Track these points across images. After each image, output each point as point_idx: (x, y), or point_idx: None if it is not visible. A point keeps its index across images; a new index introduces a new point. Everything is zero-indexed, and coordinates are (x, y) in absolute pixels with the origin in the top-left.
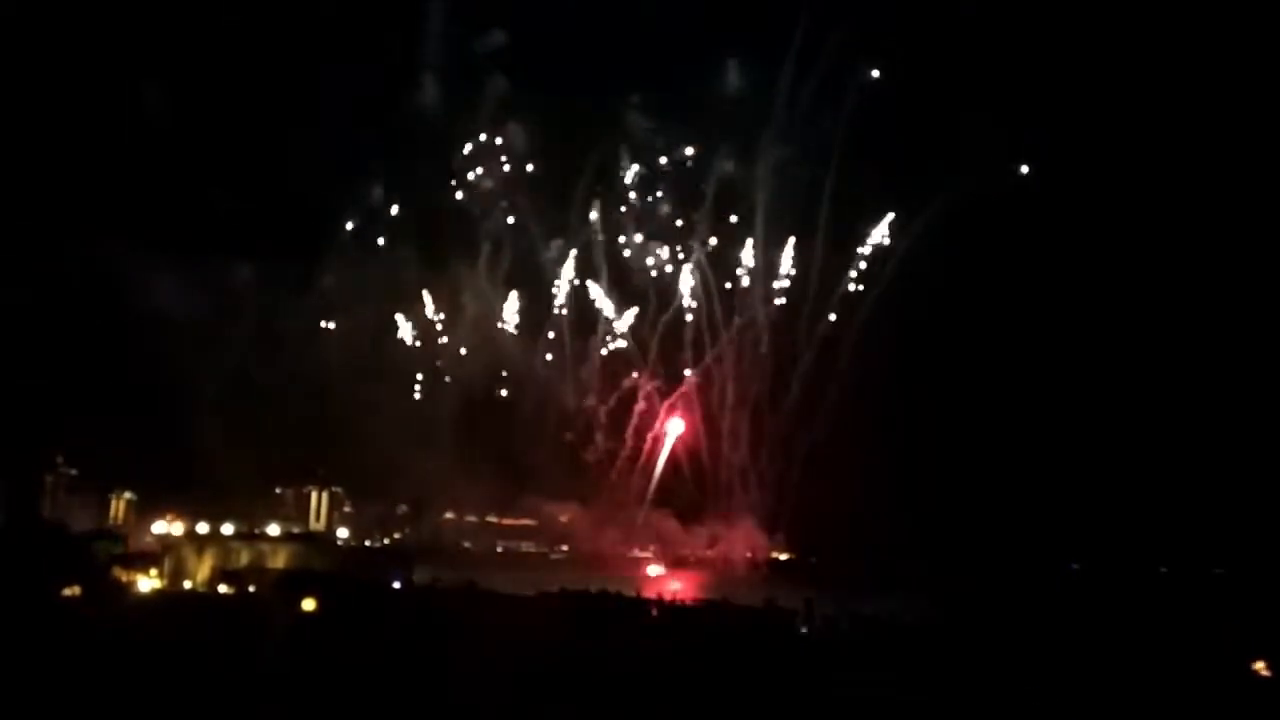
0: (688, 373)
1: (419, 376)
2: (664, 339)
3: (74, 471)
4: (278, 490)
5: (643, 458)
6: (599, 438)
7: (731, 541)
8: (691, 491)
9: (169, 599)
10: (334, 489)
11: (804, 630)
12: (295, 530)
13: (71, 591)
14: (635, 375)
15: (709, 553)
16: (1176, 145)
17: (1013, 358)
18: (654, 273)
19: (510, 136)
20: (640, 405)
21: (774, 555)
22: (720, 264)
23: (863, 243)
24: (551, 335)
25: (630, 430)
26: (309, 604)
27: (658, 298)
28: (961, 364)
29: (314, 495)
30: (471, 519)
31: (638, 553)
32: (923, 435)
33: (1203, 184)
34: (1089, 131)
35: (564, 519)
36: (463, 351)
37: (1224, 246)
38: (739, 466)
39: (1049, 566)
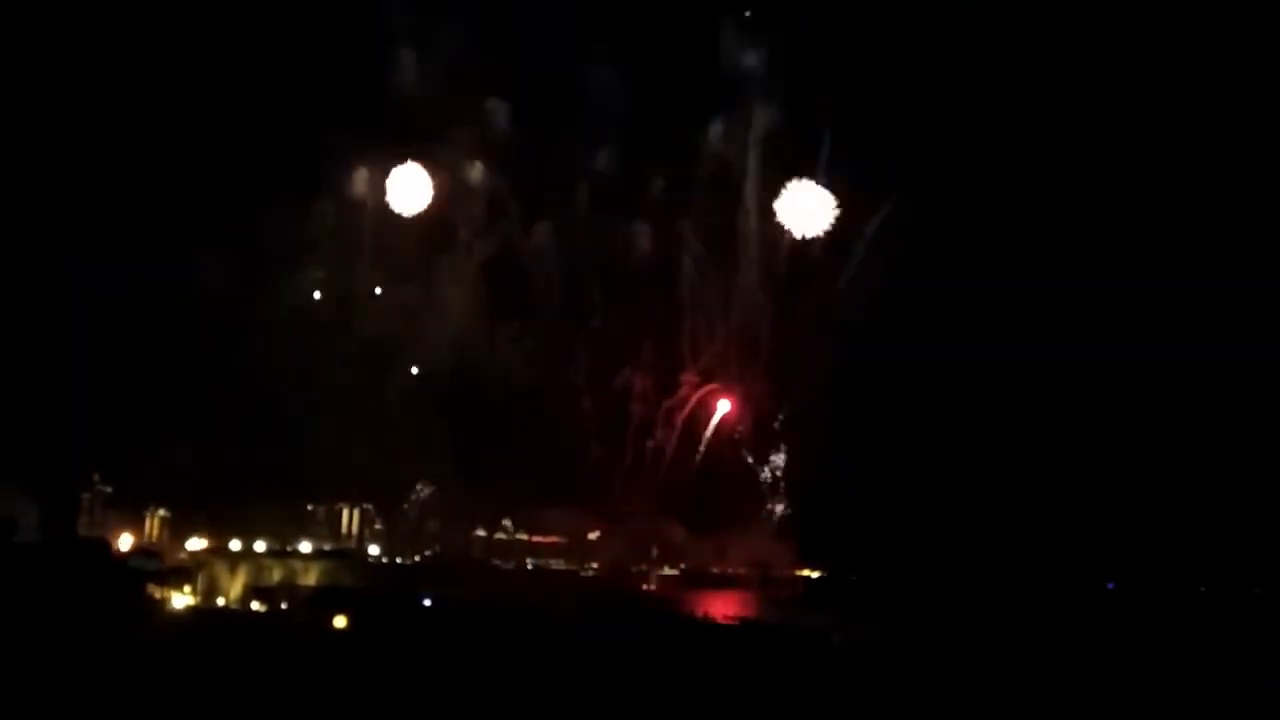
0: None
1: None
2: (658, 327)
3: (110, 489)
4: (309, 507)
5: (671, 446)
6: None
7: (743, 553)
8: (702, 492)
9: (202, 616)
10: (365, 506)
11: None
12: (326, 547)
13: (108, 608)
14: (627, 371)
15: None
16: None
17: (1044, 364)
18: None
19: (489, 112)
20: (636, 406)
21: (805, 573)
22: (716, 245)
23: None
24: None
25: (631, 432)
26: (340, 621)
27: (650, 282)
28: (992, 368)
29: (345, 512)
30: (501, 536)
31: (667, 570)
32: (953, 446)
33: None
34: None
35: (592, 536)
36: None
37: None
38: (750, 466)
39: (1085, 585)
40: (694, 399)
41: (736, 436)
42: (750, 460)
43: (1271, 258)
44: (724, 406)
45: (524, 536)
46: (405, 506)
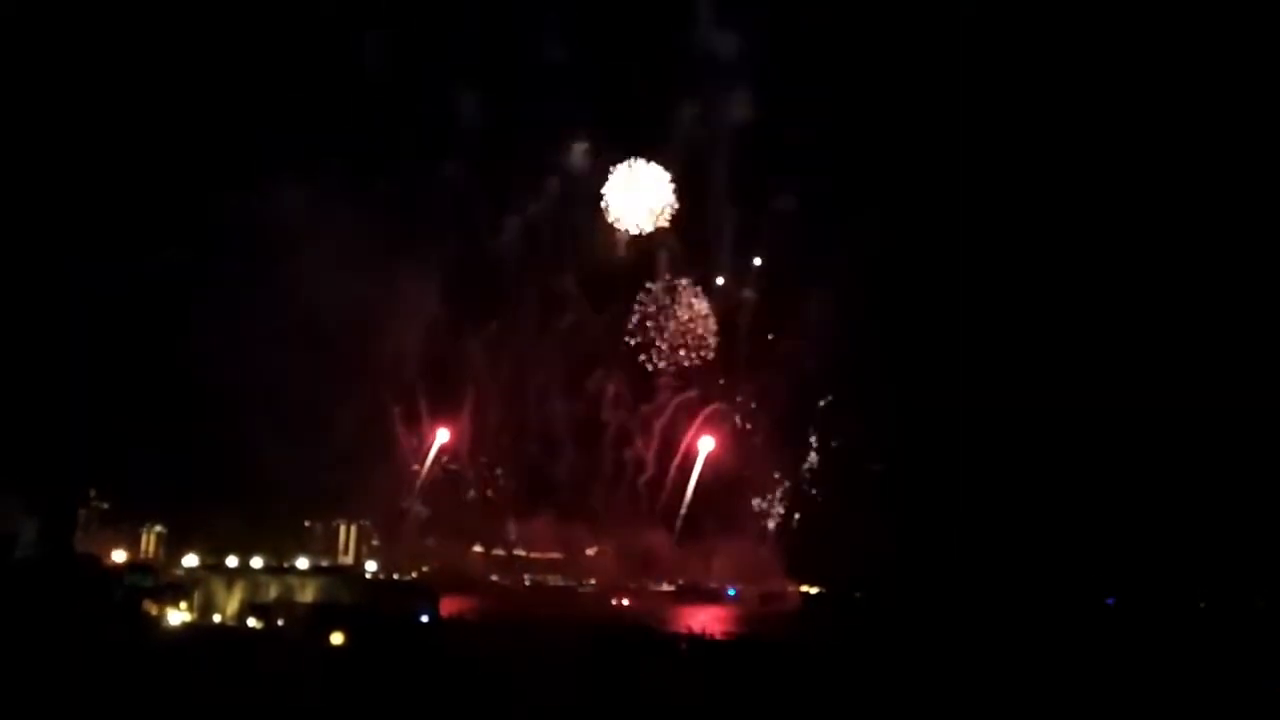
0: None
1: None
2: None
3: (106, 505)
4: (306, 523)
5: (669, 478)
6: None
7: (731, 565)
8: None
9: (198, 632)
10: (362, 522)
11: None
12: (324, 564)
13: (103, 625)
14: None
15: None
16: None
17: (1047, 381)
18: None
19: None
20: (612, 412)
21: (804, 589)
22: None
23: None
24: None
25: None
26: (337, 638)
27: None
28: (994, 385)
29: (342, 529)
30: (499, 552)
31: (665, 586)
32: (953, 461)
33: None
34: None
35: (590, 552)
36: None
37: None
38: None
39: (1085, 601)
40: (673, 404)
41: (719, 445)
42: (735, 469)
43: (1266, 272)
44: (706, 413)
45: (521, 552)
46: (402, 523)
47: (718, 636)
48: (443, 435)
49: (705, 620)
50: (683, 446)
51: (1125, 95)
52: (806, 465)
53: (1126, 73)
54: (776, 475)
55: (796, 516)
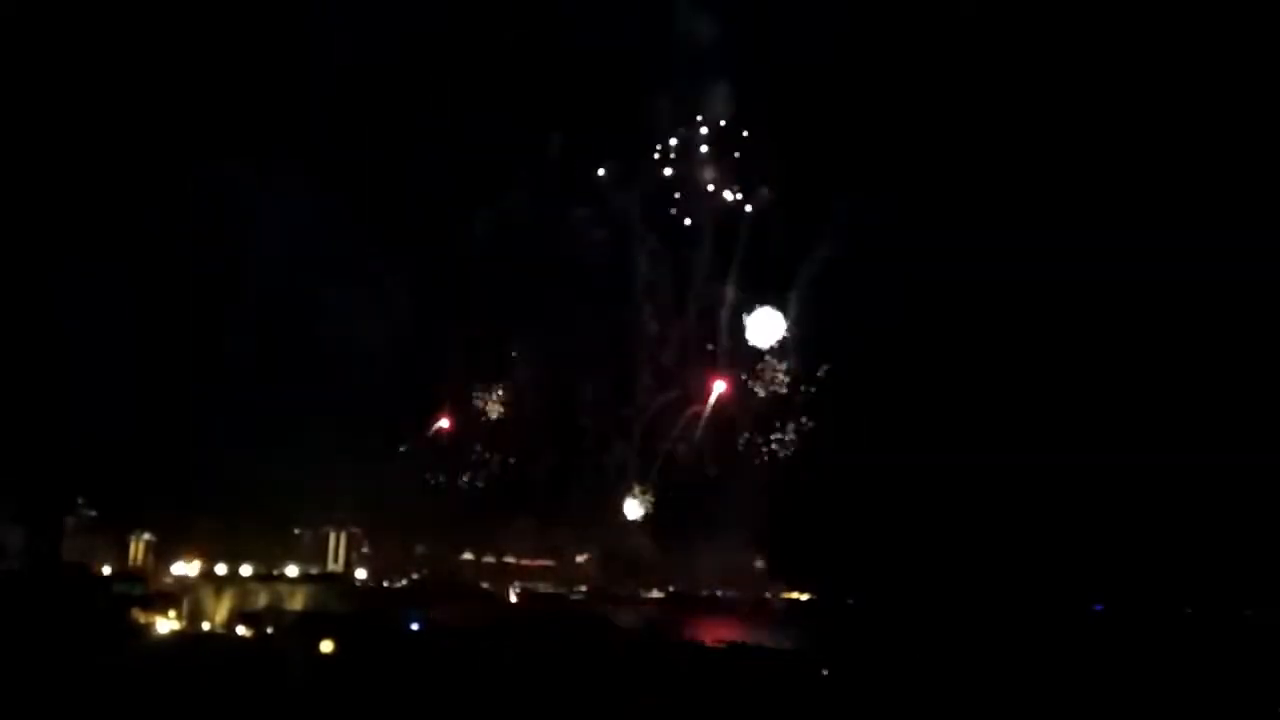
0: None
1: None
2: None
3: (94, 513)
4: (296, 531)
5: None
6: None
7: (715, 570)
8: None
9: (188, 640)
10: (352, 529)
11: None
12: (313, 571)
13: (92, 634)
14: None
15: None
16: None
17: (1032, 385)
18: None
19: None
20: (589, 415)
21: (794, 595)
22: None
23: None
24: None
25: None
26: (327, 646)
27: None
28: (980, 390)
29: (332, 536)
30: (489, 559)
31: (654, 593)
32: (939, 465)
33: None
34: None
35: (580, 559)
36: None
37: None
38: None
39: (1072, 608)
40: (652, 407)
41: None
42: (714, 471)
43: (1255, 284)
44: (720, 386)
45: (512, 560)
46: (392, 529)
47: (709, 644)
48: (443, 423)
49: (695, 628)
50: (665, 447)
51: (1124, 92)
52: (790, 467)
53: (1125, 72)
54: (760, 476)
55: (781, 520)
